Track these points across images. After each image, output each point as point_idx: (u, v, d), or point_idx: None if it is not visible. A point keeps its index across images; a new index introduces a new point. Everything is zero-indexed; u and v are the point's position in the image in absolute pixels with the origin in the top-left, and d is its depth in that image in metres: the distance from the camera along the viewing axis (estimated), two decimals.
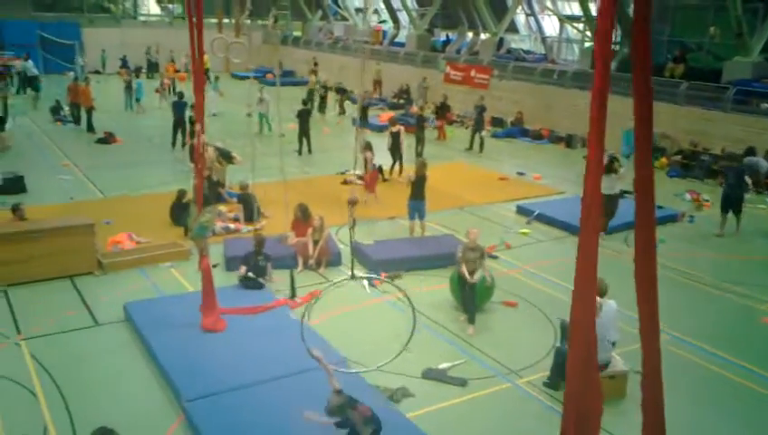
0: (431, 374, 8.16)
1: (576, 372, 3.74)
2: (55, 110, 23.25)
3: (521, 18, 36.04)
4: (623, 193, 13.41)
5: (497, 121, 25.06)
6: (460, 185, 16.83)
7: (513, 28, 34.86)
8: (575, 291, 3.63)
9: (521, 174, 18.44)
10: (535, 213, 14.26)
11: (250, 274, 10.11)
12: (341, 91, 27.62)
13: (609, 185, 12.21)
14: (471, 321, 9.39)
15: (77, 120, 22.22)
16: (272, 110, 21.80)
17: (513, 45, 35.10)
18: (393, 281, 10.07)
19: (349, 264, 11.43)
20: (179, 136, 19.36)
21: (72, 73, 26.57)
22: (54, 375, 7.87)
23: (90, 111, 21.44)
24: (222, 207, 13.52)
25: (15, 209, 11.44)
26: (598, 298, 7.11)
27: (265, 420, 6.86)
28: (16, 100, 25.90)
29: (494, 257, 11.97)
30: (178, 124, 19.33)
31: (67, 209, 13.43)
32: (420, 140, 19.68)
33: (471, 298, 9.44)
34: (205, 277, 8.63)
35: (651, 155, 3.42)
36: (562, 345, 8.09)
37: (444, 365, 8.33)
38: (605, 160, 11.79)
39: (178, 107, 19.34)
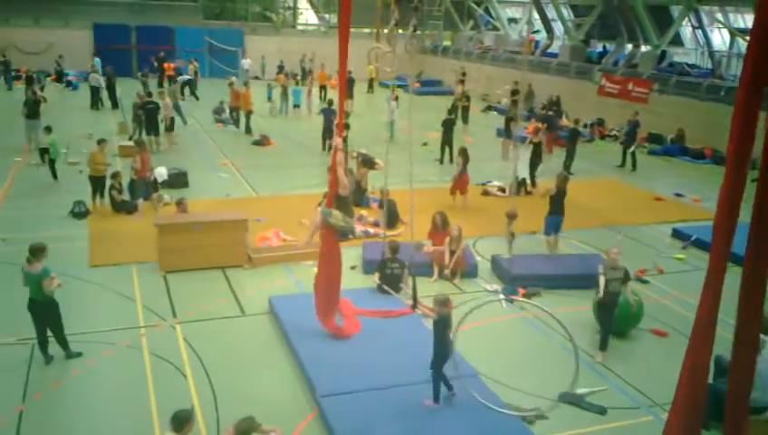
0: (568, 398, 7.77)
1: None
2: (217, 111, 24.98)
3: (686, 31, 33.79)
4: None
5: (655, 138, 23.65)
6: (610, 203, 16.06)
7: (677, 41, 32.78)
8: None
9: (678, 195, 17.25)
10: (693, 238, 13.25)
11: (384, 287, 10.06)
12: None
13: None
14: (602, 346, 8.87)
15: (236, 123, 23.73)
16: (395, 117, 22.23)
17: (677, 59, 32.99)
18: (531, 298, 9.79)
19: (484, 276, 11.38)
20: (328, 141, 20.12)
21: (234, 78, 28.40)
22: (203, 358, 8.40)
23: (248, 114, 22.79)
24: (363, 212, 13.84)
25: (179, 203, 12.41)
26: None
27: (397, 424, 6.88)
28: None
29: (645, 282, 11.29)
30: (327, 130, 20.08)
31: (223, 205, 14.37)
32: (570, 155, 19.00)
33: (605, 320, 8.93)
34: (332, 283, 8.74)
35: None
36: (716, 383, 7.41)
37: (582, 390, 7.92)
38: None
39: (327, 113, 20.08)
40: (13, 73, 31.54)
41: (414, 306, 7.76)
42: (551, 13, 35.40)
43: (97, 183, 13.92)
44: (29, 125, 18.68)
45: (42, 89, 24.06)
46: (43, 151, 16.57)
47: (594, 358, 8.80)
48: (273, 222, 13.16)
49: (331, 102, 20.61)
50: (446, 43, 42.61)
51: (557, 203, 12.10)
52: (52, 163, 15.84)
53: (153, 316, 9.49)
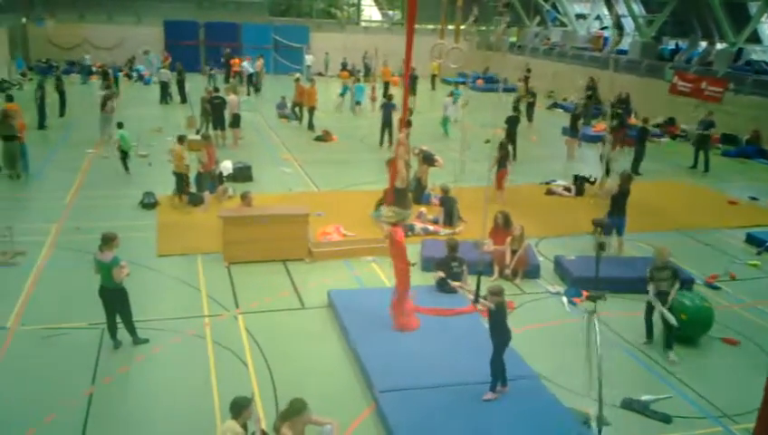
0: (631, 405, 7.56)
1: None
2: (280, 106, 25.35)
3: (764, 27, 32.22)
4: None
5: (729, 139, 22.71)
6: (680, 205, 15.50)
7: (754, 38, 31.31)
8: None
9: (754, 199, 16.50)
10: None
11: (450, 281, 10.00)
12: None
13: None
14: (667, 345, 8.70)
15: (299, 118, 24.02)
16: (454, 114, 22.05)
17: (754, 57, 31.53)
18: (595, 301, 9.52)
19: (546, 277, 11.16)
20: (386, 136, 20.16)
21: (298, 74, 28.75)
22: (263, 348, 8.54)
23: (311, 110, 23.01)
24: (423, 209, 13.78)
25: (244, 196, 12.64)
26: None
27: (456, 422, 6.83)
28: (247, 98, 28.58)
29: (716, 288, 10.86)
30: (386, 126, 20.11)
31: (286, 199, 14.57)
32: (638, 155, 18.44)
33: (665, 323, 8.66)
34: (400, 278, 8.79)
35: None
36: None
37: (646, 397, 7.68)
38: None
39: (388, 108, 20.10)
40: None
41: (476, 301, 7.65)
42: (621, 9, 34.41)
43: (180, 179, 14.09)
44: (103, 118, 19.42)
45: (115, 83, 24.95)
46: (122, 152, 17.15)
47: (669, 359, 8.58)
48: (333, 217, 13.26)
49: (391, 97, 20.62)
50: (512, 39, 41.99)
51: (619, 203, 11.76)
52: (123, 155, 16.41)
53: (217, 306, 9.71)
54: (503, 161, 15.07)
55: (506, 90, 31.85)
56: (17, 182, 15.43)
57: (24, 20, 35.19)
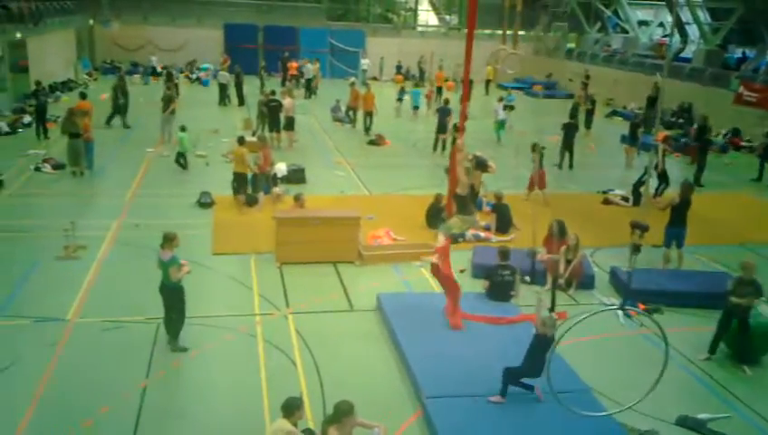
0: (687, 423, 7.31)
1: None
2: (334, 110, 25.54)
3: None
4: None
5: None
6: (743, 219, 14.95)
7: None
8: None
9: None
10: None
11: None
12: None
13: None
14: (743, 359, 8.49)
15: (353, 122, 24.13)
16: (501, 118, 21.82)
17: None
18: (652, 315, 9.24)
19: (601, 288, 10.90)
20: (441, 138, 20.06)
21: (354, 78, 28.91)
22: (312, 349, 8.60)
23: (370, 115, 22.76)
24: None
25: (297, 198, 12.80)
26: None
27: (503, 432, 6.72)
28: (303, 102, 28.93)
29: None
30: (441, 131, 20.01)
31: (338, 202, 14.67)
32: (700, 166, 17.87)
33: (742, 339, 8.34)
34: (449, 283, 8.74)
35: None
36: None
37: (703, 416, 7.41)
38: None
39: (443, 113, 20.01)
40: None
41: (551, 310, 7.50)
42: (685, 16, 33.45)
43: (241, 179, 14.24)
44: (164, 119, 19.96)
45: (176, 85, 25.60)
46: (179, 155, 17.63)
47: (747, 373, 8.37)
48: (383, 221, 13.27)
49: (446, 102, 20.52)
50: (570, 45, 41.35)
51: (679, 214, 11.39)
52: (182, 156, 16.85)
53: (268, 305, 9.83)
54: (541, 162, 15.27)
55: (565, 96, 31.57)
56: (81, 179, 15.99)
57: (90, 21, 36.53)
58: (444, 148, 19.64)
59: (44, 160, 16.71)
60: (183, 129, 17.08)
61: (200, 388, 7.83)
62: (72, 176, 16.07)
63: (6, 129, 20.41)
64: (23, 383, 7.56)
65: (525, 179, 15.45)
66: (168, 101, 20.09)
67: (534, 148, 15.40)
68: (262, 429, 6.77)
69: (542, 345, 6.91)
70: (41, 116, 19.94)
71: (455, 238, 8.83)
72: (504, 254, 10.33)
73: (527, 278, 10.61)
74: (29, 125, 21.06)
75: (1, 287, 9.88)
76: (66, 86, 28.86)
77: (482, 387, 7.43)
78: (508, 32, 12.71)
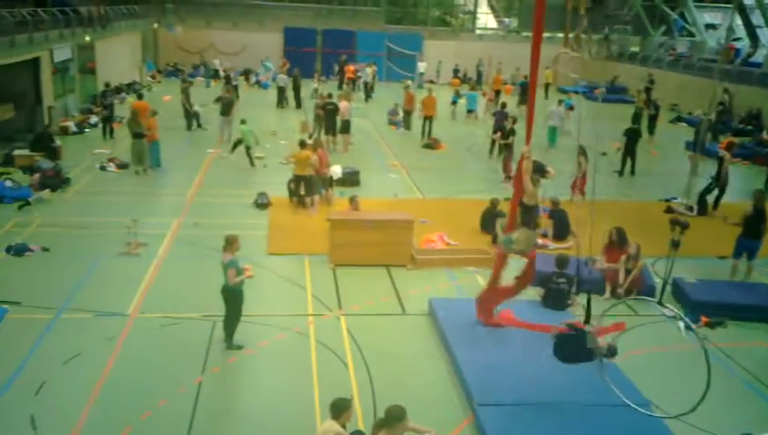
0: None
1: None
2: (392, 113, 25.57)
3: None
4: None
5: None
6: None
7: None
8: None
9: None
10: None
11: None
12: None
13: None
14: None
15: (408, 126, 24.07)
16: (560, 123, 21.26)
17: None
18: (714, 328, 8.93)
19: (663, 299, 10.51)
20: (495, 141, 19.81)
21: (409, 81, 28.87)
22: (364, 351, 8.61)
23: (429, 118, 22.27)
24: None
25: (352, 200, 12.85)
26: None
27: None
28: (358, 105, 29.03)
29: None
30: (497, 132, 19.73)
31: (391, 205, 14.66)
32: None
33: None
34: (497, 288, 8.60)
35: None
36: None
37: None
38: None
39: (500, 117, 19.77)
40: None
41: (587, 322, 7.26)
42: (756, 19, 32.19)
43: (303, 182, 14.33)
44: (223, 121, 20.40)
45: (235, 88, 26.13)
46: (236, 143, 18.05)
47: None
48: (437, 225, 13.20)
49: (504, 106, 20.25)
50: (634, 48, 40.31)
51: (753, 225, 10.91)
52: (247, 150, 17.39)
53: (321, 306, 9.90)
54: (585, 166, 15.06)
55: (627, 101, 30.75)
56: (143, 178, 16.48)
57: (155, 25, 37.69)
58: (500, 152, 19.34)
59: (109, 160, 17.32)
60: (243, 121, 17.51)
61: (253, 385, 7.94)
62: (136, 175, 16.58)
63: (74, 128, 21.23)
64: (84, 375, 7.82)
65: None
66: (227, 105, 20.49)
67: (581, 152, 15.19)
68: (312, 428, 6.80)
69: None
70: (107, 117, 20.68)
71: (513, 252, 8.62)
72: (563, 262, 10.11)
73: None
74: (95, 125, 21.87)
75: (66, 281, 10.25)
76: (131, 88, 29.84)
77: (533, 395, 7.28)
78: (570, 35, 12.46)
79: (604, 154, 19.52)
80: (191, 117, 22.48)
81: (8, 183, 14.62)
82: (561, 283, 9.94)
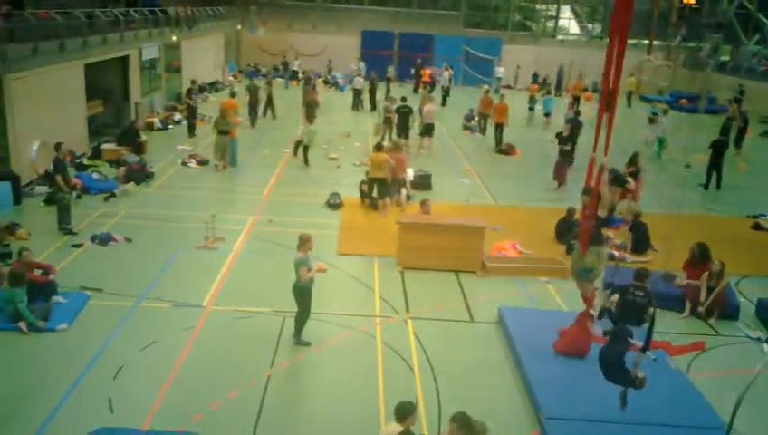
0: None
1: None
2: (467, 118, 25.35)
3: None
4: None
5: None
6: None
7: None
8: None
9: None
10: None
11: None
12: None
13: None
14: None
15: (483, 131, 23.80)
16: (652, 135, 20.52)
17: None
18: None
19: (746, 320, 10.02)
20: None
21: (487, 86, 28.51)
22: (430, 356, 8.56)
23: (501, 125, 21.88)
24: (610, 233, 12.98)
25: (423, 204, 12.81)
26: None
27: None
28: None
29: None
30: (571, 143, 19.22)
31: (462, 210, 14.52)
32: None
33: None
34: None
35: None
36: None
37: None
38: None
39: (574, 124, 19.22)
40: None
41: (644, 349, 6.93)
42: None
43: (373, 183, 14.44)
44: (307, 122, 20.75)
45: (314, 88, 26.53)
46: (297, 144, 18.38)
47: None
48: (509, 233, 12.99)
49: (578, 114, 19.71)
50: (724, 57, 38.51)
51: None
52: (305, 149, 17.72)
53: (388, 308, 9.92)
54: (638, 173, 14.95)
55: (714, 111, 29.38)
56: (222, 174, 16.97)
57: (238, 27, 38.82)
58: (571, 161, 18.68)
59: (190, 156, 17.94)
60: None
61: (320, 382, 8.02)
62: (215, 170, 17.09)
63: (159, 125, 22.10)
64: (160, 362, 8.09)
65: (665, 198, 14.53)
66: (310, 106, 20.83)
67: (633, 159, 14.97)
68: (376, 429, 6.80)
69: None
70: (192, 114, 21.43)
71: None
72: (643, 275, 9.67)
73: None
74: (179, 122, 22.70)
75: (146, 272, 10.66)
76: (214, 87, 30.79)
77: (605, 413, 7.03)
78: (657, 42, 12.01)
79: (688, 166, 18.72)
80: (256, 115, 23.29)
81: (96, 175, 15.40)
82: (638, 295, 9.51)
